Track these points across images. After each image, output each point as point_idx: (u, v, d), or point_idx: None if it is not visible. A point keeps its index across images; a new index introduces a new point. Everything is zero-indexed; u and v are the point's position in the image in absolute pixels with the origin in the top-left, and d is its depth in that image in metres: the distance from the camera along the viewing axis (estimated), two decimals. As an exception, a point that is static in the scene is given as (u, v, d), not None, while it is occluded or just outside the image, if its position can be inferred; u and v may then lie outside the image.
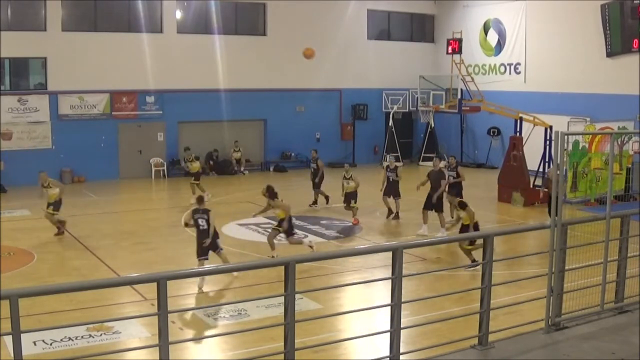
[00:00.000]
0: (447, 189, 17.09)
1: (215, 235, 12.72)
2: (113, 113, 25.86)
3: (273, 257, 13.35)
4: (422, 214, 16.82)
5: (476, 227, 13.35)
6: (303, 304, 10.62)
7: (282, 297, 5.80)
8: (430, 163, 20.64)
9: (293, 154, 28.90)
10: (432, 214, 16.68)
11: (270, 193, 14.51)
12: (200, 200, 13.07)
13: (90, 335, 9.86)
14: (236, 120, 27.75)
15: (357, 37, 30.24)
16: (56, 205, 16.66)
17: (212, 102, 26.96)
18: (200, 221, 12.59)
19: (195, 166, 21.69)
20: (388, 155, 23.46)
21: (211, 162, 27.27)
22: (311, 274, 12.50)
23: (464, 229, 13.60)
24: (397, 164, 19.18)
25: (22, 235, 16.35)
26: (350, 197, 18.21)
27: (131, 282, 9.16)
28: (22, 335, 4.81)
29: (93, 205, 20.82)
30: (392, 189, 18.30)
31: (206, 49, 26.87)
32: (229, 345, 9.66)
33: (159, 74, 25.93)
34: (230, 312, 10.91)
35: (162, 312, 5.31)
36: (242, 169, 27.71)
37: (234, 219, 18.24)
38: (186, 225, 13.45)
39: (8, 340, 5.55)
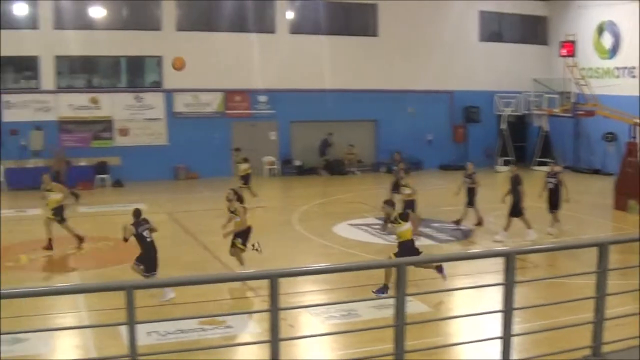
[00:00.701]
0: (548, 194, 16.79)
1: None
2: (226, 111, 26.82)
3: (390, 257, 13.34)
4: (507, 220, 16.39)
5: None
6: (413, 307, 10.59)
7: (393, 299, 5.83)
8: (545, 168, 20.02)
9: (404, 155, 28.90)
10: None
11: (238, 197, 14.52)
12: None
13: (202, 329, 10.14)
14: (347, 120, 28.08)
15: (468, 38, 29.98)
16: (58, 211, 15.59)
17: (323, 102, 27.38)
18: (144, 233, 12.05)
19: (244, 168, 21.04)
20: (548, 160, 22.79)
21: (325, 159, 27.74)
22: (423, 277, 12.44)
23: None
24: (556, 168, 18.15)
25: None
26: (471, 195, 17.63)
27: (245, 278, 9.50)
28: (136, 325, 5.08)
29: (205, 201, 21.65)
30: (554, 198, 17.05)
31: (318, 50, 27.34)
32: (338, 344, 9.77)
33: (272, 74, 26.65)
34: (341, 311, 11.01)
35: (274, 308, 5.43)
36: (354, 169, 28.03)
37: (345, 218, 18.43)
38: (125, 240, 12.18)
39: (124, 330, 5.91)
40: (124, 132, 25.93)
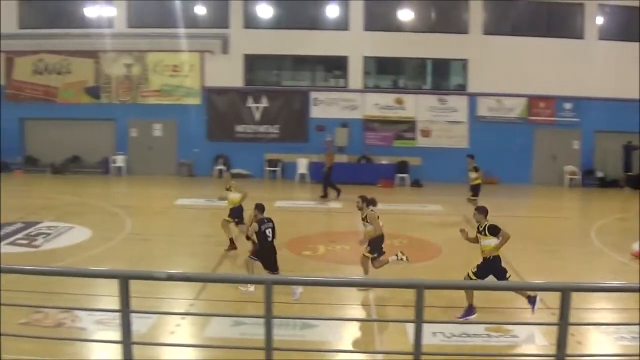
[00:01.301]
0: None
1: None
2: (529, 117, 26.44)
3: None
4: None
5: None
6: None
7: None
8: None
9: None
10: None
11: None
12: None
13: (488, 335, 10.26)
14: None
15: None
16: (235, 212, 15.72)
17: (631, 112, 25.69)
18: (267, 232, 12.08)
19: (473, 177, 20.05)
20: None
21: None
22: None
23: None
24: None
25: (433, 229, 17.98)
26: None
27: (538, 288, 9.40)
28: (423, 325, 5.34)
29: (502, 208, 21.47)
30: None
31: (629, 57, 25.57)
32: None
33: (578, 81, 25.78)
34: (633, 333, 10.22)
35: (563, 322, 5.44)
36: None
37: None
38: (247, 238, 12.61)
39: (410, 327, 6.25)
40: (426, 133, 26.85)
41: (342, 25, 26.99)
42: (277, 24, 27.43)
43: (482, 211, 11.77)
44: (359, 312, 11.80)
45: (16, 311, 10.45)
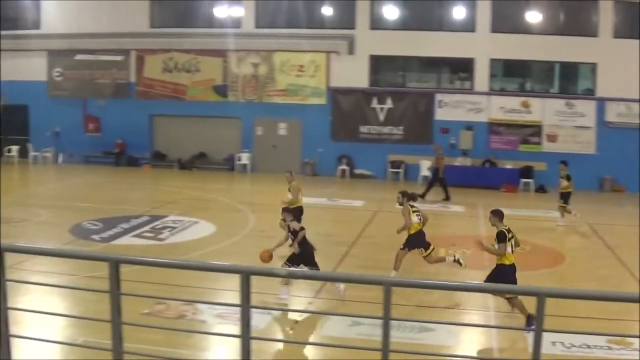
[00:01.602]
0: None
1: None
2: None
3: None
4: None
5: None
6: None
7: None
8: None
9: None
10: None
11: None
12: None
13: (609, 347, 10.60)
14: None
15: None
16: (293, 213, 17.05)
17: None
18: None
19: (564, 185, 21.25)
20: None
21: None
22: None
23: None
24: None
25: (556, 237, 19.50)
26: None
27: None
28: (543, 333, 5.55)
29: (628, 217, 22.64)
30: None
31: None
32: None
33: None
34: None
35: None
36: None
37: None
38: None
39: (530, 335, 7.12)
40: (552, 137, 28.54)
41: (468, 26, 29.10)
42: (403, 25, 29.89)
43: (497, 214, 12.14)
44: (478, 318, 12.50)
45: (140, 302, 11.36)
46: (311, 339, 11.44)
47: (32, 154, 34.00)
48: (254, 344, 6.16)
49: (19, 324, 8.71)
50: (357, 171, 30.53)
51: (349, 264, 16.33)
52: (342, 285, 12.99)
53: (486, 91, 29.34)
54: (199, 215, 21.17)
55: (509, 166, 28.80)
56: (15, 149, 33.99)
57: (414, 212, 14.64)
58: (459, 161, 29.12)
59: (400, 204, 14.80)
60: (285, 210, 15.11)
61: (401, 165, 30.01)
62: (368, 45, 30.09)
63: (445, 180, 25.37)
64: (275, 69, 31.26)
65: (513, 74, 30.16)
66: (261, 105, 31.54)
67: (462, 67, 30.03)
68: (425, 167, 28.96)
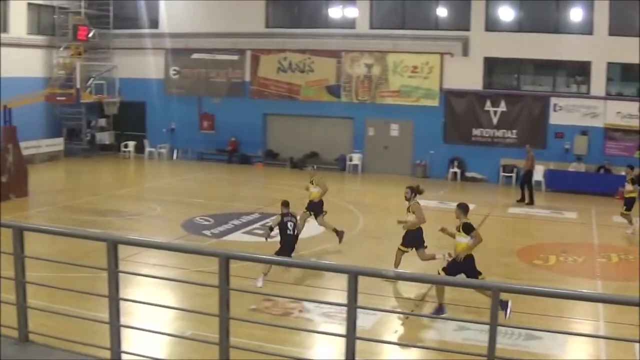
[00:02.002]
0: None
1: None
2: None
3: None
4: None
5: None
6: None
7: None
8: None
9: None
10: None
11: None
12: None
13: None
14: None
15: None
16: (314, 206, 19.40)
17: None
18: (288, 224, 15.96)
19: (628, 190, 22.32)
20: None
21: None
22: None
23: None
24: None
25: None
26: None
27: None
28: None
29: None
30: None
31: None
32: None
33: None
34: None
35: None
36: None
37: None
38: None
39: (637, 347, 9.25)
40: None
41: (586, 29, 31.13)
42: (519, 26, 32.33)
43: (462, 208, 14.02)
44: (585, 327, 13.17)
45: (247, 297, 12.45)
46: (416, 342, 12.28)
47: (148, 149, 38.60)
48: (359, 344, 6.57)
49: (129, 314, 9.84)
50: (469, 174, 33.27)
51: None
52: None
53: (603, 95, 31.29)
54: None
55: (624, 173, 30.10)
56: (131, 144, 38.69)
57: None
58: (573, 167, 31.25)
59: (408, 200, 16.20)
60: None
61: (514, 169, 32.23)
62: (482, 47, 32.66)
63: (530, 183, 27.77)
64: (388, 70, 34.37)
65: (631, 78, 31.49)
66: (373, 106, 34.76)
67: (578, 71, 32.01)
68: (539, 172, 30.66)
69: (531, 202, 27.65)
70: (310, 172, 20.39)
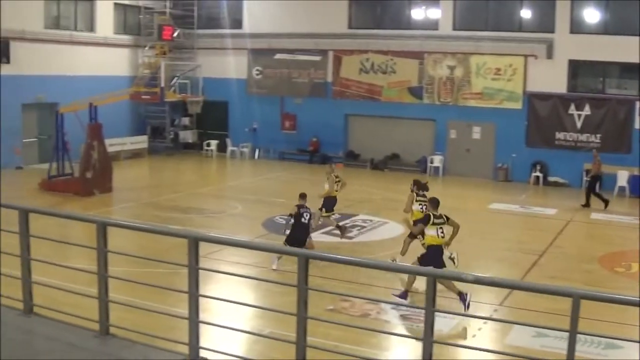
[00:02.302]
0: None
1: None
2: None
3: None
4: None
5: None
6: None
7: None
8: None
9: None
10: None
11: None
12: None
13: None
14: None
15: None
16: (324, 203, 20.55)
17: None
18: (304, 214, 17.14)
19: None
20: None
21: None
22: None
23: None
24: None
25: None
26: None
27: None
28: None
29: None
30: None
31: None
32: None
33: None
34: None
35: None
36: None
37: None
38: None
39: None
40: None
41: None
42: (604, 29, 32.14)
43: (433, 202, 14.82)
44: None
45: (325, 297, 12.79)
46: (494, 347, 12.16)
47: (230, 148, 39.65)
48: (436, 348, 6.62)
49: (208, 311, 10.10)
50: (551, 179, 33.16)
51: (537, 274, 17.60)
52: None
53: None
54: (389, 216, 23.72)
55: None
56: (214, 143, 39.81)
57: (417, 201, 17.17)
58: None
59: (412, 192, 17.46)
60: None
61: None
62: (567, 50, 32.57)
63: (594, 188, 27.71)
64: (471, 72, 34.57)
65: None
66: (456, 108, 35.02)
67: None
68: (623, 177, 30.83)
69: (587, 205, 27.67)
70: (328, 170, 21.44)
